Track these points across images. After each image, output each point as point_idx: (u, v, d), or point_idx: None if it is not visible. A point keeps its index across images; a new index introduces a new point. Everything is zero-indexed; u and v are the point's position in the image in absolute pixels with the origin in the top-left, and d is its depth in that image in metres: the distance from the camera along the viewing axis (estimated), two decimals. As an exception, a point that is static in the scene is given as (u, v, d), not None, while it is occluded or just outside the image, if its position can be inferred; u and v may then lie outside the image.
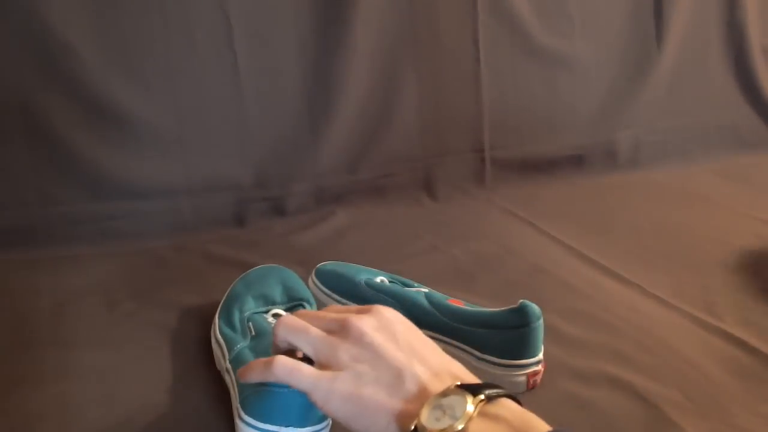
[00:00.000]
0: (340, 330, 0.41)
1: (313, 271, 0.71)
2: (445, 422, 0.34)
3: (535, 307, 0.55)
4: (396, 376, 0.38)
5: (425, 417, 0.35)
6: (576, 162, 1.18)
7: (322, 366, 0.40)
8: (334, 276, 0.69)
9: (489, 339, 0.56)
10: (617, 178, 1.15)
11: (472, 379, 0.39)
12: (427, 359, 0.39)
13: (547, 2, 1.14)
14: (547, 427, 0.33)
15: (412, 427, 0.35)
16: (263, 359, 0.42)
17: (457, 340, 0.58)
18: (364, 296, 0.64)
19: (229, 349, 0.55)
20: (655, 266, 0.79)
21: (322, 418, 0.47)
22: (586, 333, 0.65)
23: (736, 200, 1.04)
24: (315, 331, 0.42)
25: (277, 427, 0.45)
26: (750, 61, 1.32)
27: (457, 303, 0.61)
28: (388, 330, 0.41)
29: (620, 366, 0.59)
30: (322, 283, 0.69)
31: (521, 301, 0.56)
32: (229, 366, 0.54)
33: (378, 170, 1.05)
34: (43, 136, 0.86)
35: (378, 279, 0.67)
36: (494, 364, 0.56)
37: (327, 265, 0.72)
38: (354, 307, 0.45)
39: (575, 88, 1.19)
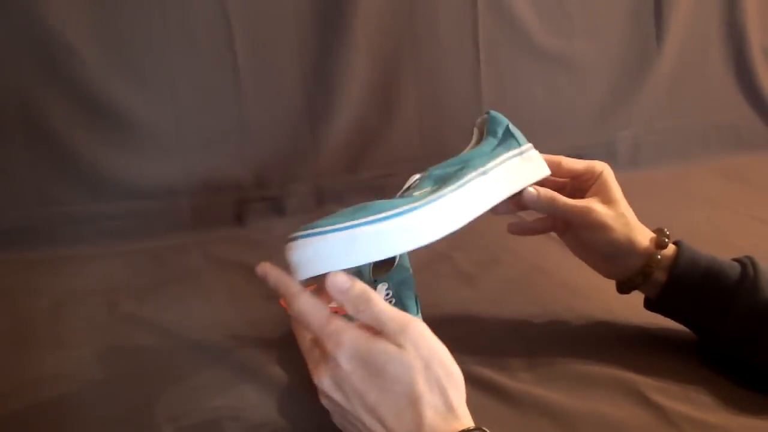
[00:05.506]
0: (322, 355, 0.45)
1: None
2: None
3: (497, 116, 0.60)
4: None
5: None
6: (576, 162, 1.18)
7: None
8: None
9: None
10: (617, 178, 1.14)
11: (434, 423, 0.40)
12: (383, 419, 0.41)
13: (547, 2, 1.14)
14: None
15: None
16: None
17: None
18: None
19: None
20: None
21: None
22: (585, 333, 0.65)
23: (736, 200, 1.03)
24: (307, 341, 0.46)
25: None
26: (750, 61, 1.32)
27: None
28: (342, 390, 0.42)
29: (621, 366, 0.59)
30: None
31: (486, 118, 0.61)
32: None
33: (378, 170, 1.05)
34: (42, 136, 0.86)
35: None
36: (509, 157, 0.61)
37: None
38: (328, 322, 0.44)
39: (575, 88, 1.19)
